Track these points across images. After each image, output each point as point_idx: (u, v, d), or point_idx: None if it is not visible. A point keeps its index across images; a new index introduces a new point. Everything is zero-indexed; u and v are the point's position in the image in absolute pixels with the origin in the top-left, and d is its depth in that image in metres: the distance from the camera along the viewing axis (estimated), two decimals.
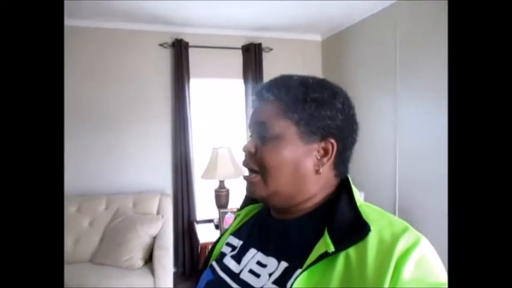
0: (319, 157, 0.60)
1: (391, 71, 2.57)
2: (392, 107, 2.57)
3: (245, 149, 0.64)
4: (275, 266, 0.58)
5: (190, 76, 3.11)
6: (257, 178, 0.61)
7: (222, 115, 3.39)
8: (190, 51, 3.10)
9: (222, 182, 2.92)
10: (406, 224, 0.53)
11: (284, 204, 0.62)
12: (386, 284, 0.45)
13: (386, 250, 0.48)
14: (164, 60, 3.09)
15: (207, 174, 2.85)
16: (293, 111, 0.59)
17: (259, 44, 3.22)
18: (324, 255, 0.50)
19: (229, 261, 0.66)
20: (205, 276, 0.67)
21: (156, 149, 3.12)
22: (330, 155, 0.60)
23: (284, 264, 0.57)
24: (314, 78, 0.64)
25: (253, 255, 0.64)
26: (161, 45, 3.06)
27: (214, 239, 2.67)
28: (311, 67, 3.48)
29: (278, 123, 0.60)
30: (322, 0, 2.53)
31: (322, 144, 0.60)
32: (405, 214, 2.44)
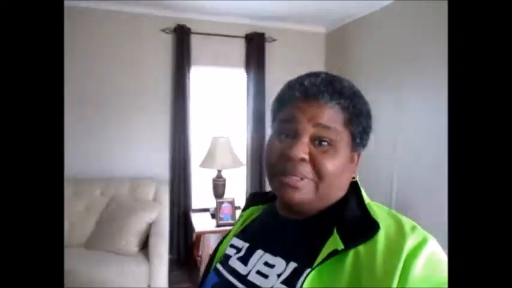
0: (351, 165, 0.62)
1: (397, 67, 2.54)
2: (395, 104, 2.56)
3: (294, 155, 0.56)
4: (283, 267, 0.57)
5: (192, 63, 3.07)
6: (305, 183, 0.57)
7: (222, 104, 3.36)
8: (192, 38, 3.06)
9: (219, 172, 2.91)
10: (413, 223, 0.53)
11: (319, 207, 0.61)
12: (395, 282, 0.45)
13: (394, 248, 0.48)
14: (165, 46, 3.05)
15: (206, 163, 2.84)
16: (355, 124, 0.59)
17: (263, 34, 3.18)
18: (333, 253, 0.50)
19: (235, 263, 0.65)
20: (211, 279, 0.66)
21: (154, 136, 3.10)
22: (356, 161, 0.62)
23: (293, 265, 0.56)
24: (354, 85, 0.64)
25: (260, 256, 0.63)
26: (163, 30, 3.02)
27: (209, 228, 2.70)
28: (314, 60, 3.45)
29: (341, 132, 0.58)
30: None
31: (354, 154, 0.62)
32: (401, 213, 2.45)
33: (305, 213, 0.62)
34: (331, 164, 0.57)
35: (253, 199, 0.79)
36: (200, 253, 2.68)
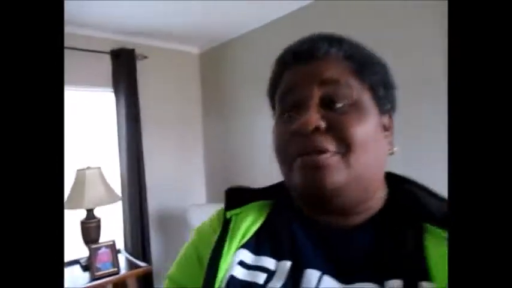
0: (385, 133, 0.49)
1: None
2: None
3: (306, 125, 0.43)
4: None
5: None
6: (335, 158, 0.43)
7: (87, 131, 2.82)
8: None
9: (90, 211, 2.37)
10: None
11: (359, 196, 0.46)
12: None
13: None
14: None
15: (71, 202, 2.27)
16: (368, 73, 0.46)
17: (132, 50, 2.84)
18: None
19: None
20: None
21: None
22: (390, 131, 0.50)
23: (395, 283, 0.39)
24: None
25: (317, 279, 0.43)
26: None
27: (81, 284, 2.12)
28: (190, 80, 3.29)
29: (357, 86, 0.46)
30: (205, 9, 2.41)
31: (384, 119, 0.49)
32: None
33: (356, 214, 0.47)
34: (357, 127, 0.44)
35: (240, 196, 0.56)
36: None
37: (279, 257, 0.47)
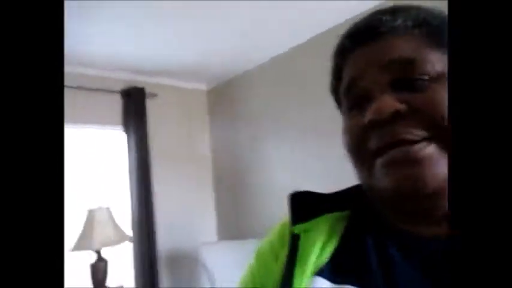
0: None
1: (291, 116, 2.57)
2: (292, 152, 2.55)
3: (382, 110, 0.35)
4: None
5: None
6: (432, 147, 0.35)
7: (98, 169, 2.81)
8: None
9: (99, 253, 2.30)
10: None
11: None
12: None
13: None
14: None
15: (81, 243, 2.21)
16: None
17: (142, 89, 2.89)
18: None
19: None
20: None
21: None
22: None
23: None
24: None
25: None
26: None
27: None
28: (199, 117, 3.31)
29: (434, 58, 0.37)
30: (212, 46, 2.46)
31: None
32: None
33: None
34: (445, 103, 0.34)
35: (310, 205, 0.46)
36: None
37: (367, 287, 0.36)
